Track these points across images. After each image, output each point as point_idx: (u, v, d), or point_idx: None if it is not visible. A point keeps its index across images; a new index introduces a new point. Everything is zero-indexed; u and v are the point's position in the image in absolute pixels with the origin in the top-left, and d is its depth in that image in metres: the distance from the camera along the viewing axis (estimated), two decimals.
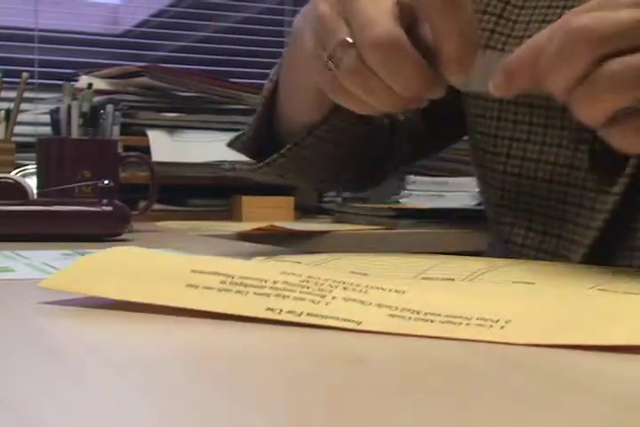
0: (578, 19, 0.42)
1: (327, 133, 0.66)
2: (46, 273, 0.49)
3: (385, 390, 0.25)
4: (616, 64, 0.41)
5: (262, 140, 0.72)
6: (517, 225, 0.69)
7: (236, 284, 0.36)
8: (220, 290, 0.35)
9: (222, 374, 0.27)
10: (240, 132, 0.74)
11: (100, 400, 0.23)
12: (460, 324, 0.32)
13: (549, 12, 0.66)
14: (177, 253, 0.45)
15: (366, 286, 0.35)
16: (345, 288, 0.35)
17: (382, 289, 0.35)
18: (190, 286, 0.36)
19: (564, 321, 0.32)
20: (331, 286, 0.35)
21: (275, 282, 0.36)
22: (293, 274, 0.36)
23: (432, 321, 0.32)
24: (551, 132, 0.64)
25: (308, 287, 0.35)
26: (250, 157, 0.73)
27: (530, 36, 0.63)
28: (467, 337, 0.31)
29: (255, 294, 0.35)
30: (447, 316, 0.32)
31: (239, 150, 0.74)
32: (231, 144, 0.75)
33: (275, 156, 0.67)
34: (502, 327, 0.31)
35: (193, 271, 0.37)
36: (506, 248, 0.70)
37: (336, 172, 0.76)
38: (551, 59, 0.43)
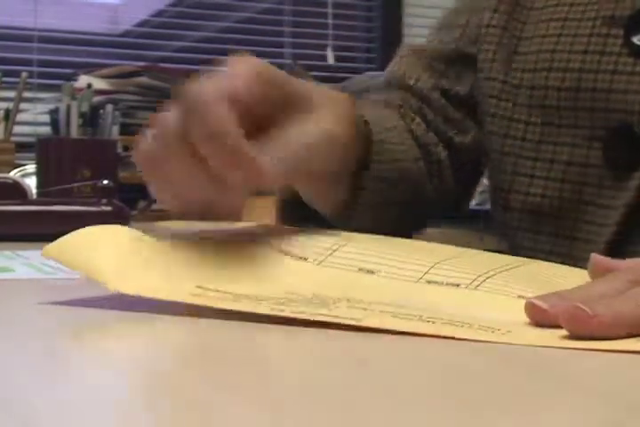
0: None
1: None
2: (46, 273, 0.49)
3: (385, 391, 0.25)
4: None
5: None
6: (523, 228, 0.68)
7: (240, 297, 0.36)
8: (220, 299, 0.36)
9: (223, 374, 0.27)
10: None
11: (100, 400, 0.23)
12: (462, 326, 0.32)
13: (557, 9, 0.66)
14: (177, 244, 0.43)
15: (369, 303, 0.35)
16: (348, 300, 0.36)
17: (385, 304, 0.35)
18: (194, 295, 0.36)
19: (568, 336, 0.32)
20: (334, 302, 0.36)
21: (279, 298, 0.36)
22: (298, 294, 0.37)
23: (433, 322, 0.32)
24: (564, 132, 0.64)
25: (311, 301, 0.36)
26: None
27: (544, 36, 0.65)
28: (467, 337, 0.31)
29: (257, 302, 0.35)
30: (449, 320, 0.33)
31: None
32: None
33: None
34: (504, 334, 0.31)
35: (198, 287, 0.37)
36: (514, 253, 0.70)
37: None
38: None
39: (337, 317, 0.33)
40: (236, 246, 0.43)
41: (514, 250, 0.69)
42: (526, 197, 0.67)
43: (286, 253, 0.42)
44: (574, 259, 0.63)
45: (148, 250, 0.40)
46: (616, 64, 0.61)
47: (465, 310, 0.35)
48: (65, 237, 0.39)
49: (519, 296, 0.36)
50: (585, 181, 0.63)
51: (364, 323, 0.32)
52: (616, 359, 0.29)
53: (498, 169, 0.70)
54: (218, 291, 0.36)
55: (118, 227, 0.41)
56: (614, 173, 0.62)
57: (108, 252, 0.38)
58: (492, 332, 0.32)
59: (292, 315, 0.34)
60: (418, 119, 0.71)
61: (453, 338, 0.31)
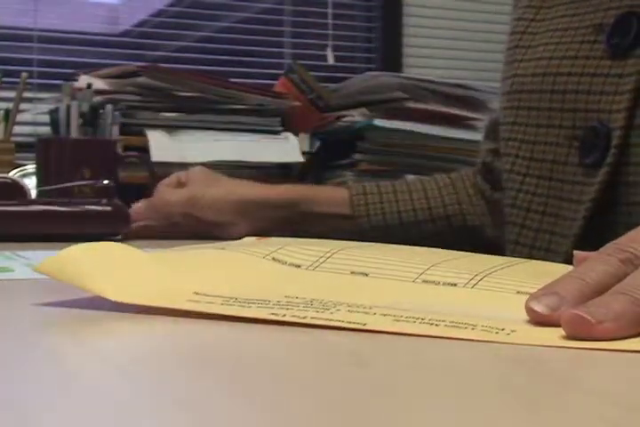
0: None
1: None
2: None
3: (385, 390, 0.25)
4: None
5: None
6: (512, 223, 0.72)
7: (239, 301, 0.36)
8: (222, 304, 0.35)
9: (222, 374, 0.27)
10: None
11: (100, 400, 0.23)
12: (466, 328, 0.32)
13: (563, 20, 0.70)
14: (174, 257, 0.44)
15: (370, 307, 0.35)
16: (348, 304, 0.35)
17: (384, 307, 0.35)
18: (192, 301, 0.36)
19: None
20: (335, 305, 0.35)
21: (278, 301, 0.36)
22: (297, 297, 0.36)
23: (437, 325, 0.32)
24: (551, 132, 0.68)
25: (311, 304, 0.35)
26: None
27: (547, 44, 0.69)
28: (472, 337, 0.31)
29: (258, 307, 0.35)
30: (452, 322, 0.32)
31: None
32: None
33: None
34: (508, 334, 0.31)
35: (196, 293, 0.37)
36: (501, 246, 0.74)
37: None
38: None
39: (340, 321, 0.33)
40: (228, 257, 0.43)
41: (502, 243, 0.74)
42: (518, 193, 0.70)
43: (279, 262, 0.42)
44: (553, 252, 0.67)
45: (143, 262, 0.41)
46: (596, 67, 0.65)
47: (465, 308, 0.35)
48: (57, 253, 0.39)
49: (518, 292, 0.36)
50: (564, 178, 0.66)
51: (368, 327, 0.32)
52: (616, 359, 0.29)
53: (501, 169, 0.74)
54: (217, 296, 0.36)
55: (110, 243, 0.41)
56: (585, 170, 0.65)
57: (102, 265, 0.39)
58: (497, 333, 0.31)
59: (294, 320, 0.33)
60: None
61: (456, 338, 0.31)
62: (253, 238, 0.49)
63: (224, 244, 0.46)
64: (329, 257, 0.42)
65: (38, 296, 0.38)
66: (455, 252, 0.44)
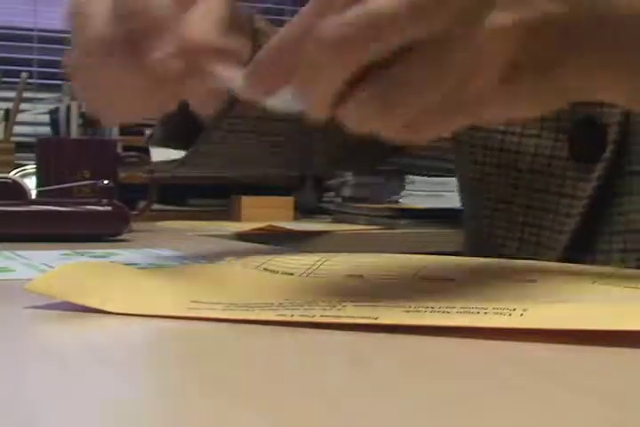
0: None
1: (235, 126, 0.64)
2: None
3: (384, 390, 0.25)
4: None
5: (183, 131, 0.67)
6: (497, 218, 0.70)
7: (240, 306, 0.35)
8: (224, 310, 0.35)
9: (222, 373, 0.27)
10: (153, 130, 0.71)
11: (100, 401, 0.23)
12: (478, 313, 0.31)
13: None
14: (169, 272, 0.45)
15: (376, 301, 0.34)
16: (353, 301, 0.35)
17: (391, 300, 0.34)
18: (192, 308, 0.36)
19: (583, 308, 0.32)
20: (339, 302, 0.35)
21: (280, 303, 0.35)
22: (298, 300, 0.36)
23: (448, 313, 0.32)
24: (531, 124, 0.65)
25: (315, 304, 0.35)
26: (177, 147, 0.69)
27: None
28: (487, 325, 0.30)
29: (262, 309, 0.35)
30: (462, 307, 0.32)
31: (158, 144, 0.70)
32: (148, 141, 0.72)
33: (190, 150, 0.64)
34: (521, 315, 0.31)
35: (194, 302, 0.37)
36: (486, 243, 0.72)
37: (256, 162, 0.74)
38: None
39: (351, 317, 0.32)
40: (220, 269, 0.43)
41: (486, 238, 0.71)
42: (497, 186, 0.69)
43: (271, 272, 0.42)
44: (543, 247, 0.65)
45: (136, 276, 0.41)
46: None
47: (469, 297, 0.35)
48: (48, 272, 0.39)
49: (517, 280, 0.36)
50: (551, 172, 0.65)
51: (380, 321, 0.32)
52: (617, 359, 0.29)
53: (467, 160, 0.71)
54: (217, 303, 0.36)
55: (101, 261, 0.42)
56: (578, 165, 0.63)
57: (95, 280, 0.39)
58: (510, 314, 0.31)
59: (303, 319, 0.33)
60: None
61: (467, 328, 0.31)
62: (231, 258, 0.49)
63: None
64: (320, 265, 0.42)
65: (39, 296, 0.38)
66: (444, 257, 0.44)
